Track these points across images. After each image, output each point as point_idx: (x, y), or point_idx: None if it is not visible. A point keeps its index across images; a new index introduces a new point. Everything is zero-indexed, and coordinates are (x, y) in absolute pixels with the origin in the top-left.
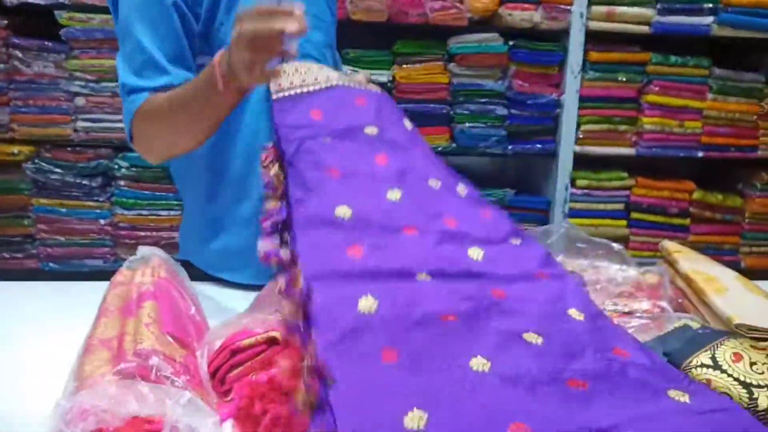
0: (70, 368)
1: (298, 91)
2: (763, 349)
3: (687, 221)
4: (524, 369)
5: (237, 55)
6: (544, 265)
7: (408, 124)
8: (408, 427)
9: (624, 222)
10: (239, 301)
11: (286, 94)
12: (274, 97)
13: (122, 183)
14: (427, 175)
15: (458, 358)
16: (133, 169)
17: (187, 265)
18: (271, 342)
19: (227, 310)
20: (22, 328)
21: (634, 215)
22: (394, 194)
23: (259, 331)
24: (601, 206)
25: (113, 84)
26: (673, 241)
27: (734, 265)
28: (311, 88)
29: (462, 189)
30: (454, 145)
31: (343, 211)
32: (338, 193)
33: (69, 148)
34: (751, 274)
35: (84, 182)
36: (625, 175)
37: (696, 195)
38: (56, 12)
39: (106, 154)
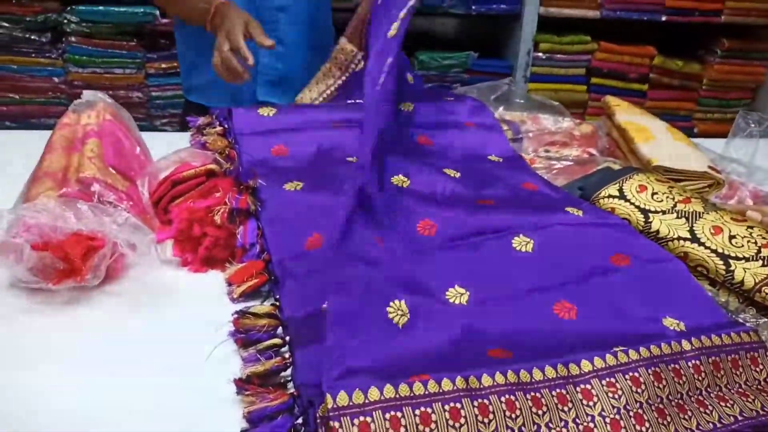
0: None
1: None
2: (666, 181)
3: (645, 87)
4: (439, 189)
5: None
6: (473, 115)
7: None
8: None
9: (584, 87)
10: None
11: None
12: None
13: (73, 39)
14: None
15: (384, 174)
16: (84, 24)
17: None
18: (210, 174)
19: None
20: None
21: (595, 80)
22: None
23: (197, 165)
24: (563, 71)
25: None
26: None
27: (688, 131)
28: None
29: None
30: (417, 5)
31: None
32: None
33: (13, 0)
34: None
35: (33, 37)
36: (588, 39)
37: (656, 60)
38: None
39: (53, 8)
